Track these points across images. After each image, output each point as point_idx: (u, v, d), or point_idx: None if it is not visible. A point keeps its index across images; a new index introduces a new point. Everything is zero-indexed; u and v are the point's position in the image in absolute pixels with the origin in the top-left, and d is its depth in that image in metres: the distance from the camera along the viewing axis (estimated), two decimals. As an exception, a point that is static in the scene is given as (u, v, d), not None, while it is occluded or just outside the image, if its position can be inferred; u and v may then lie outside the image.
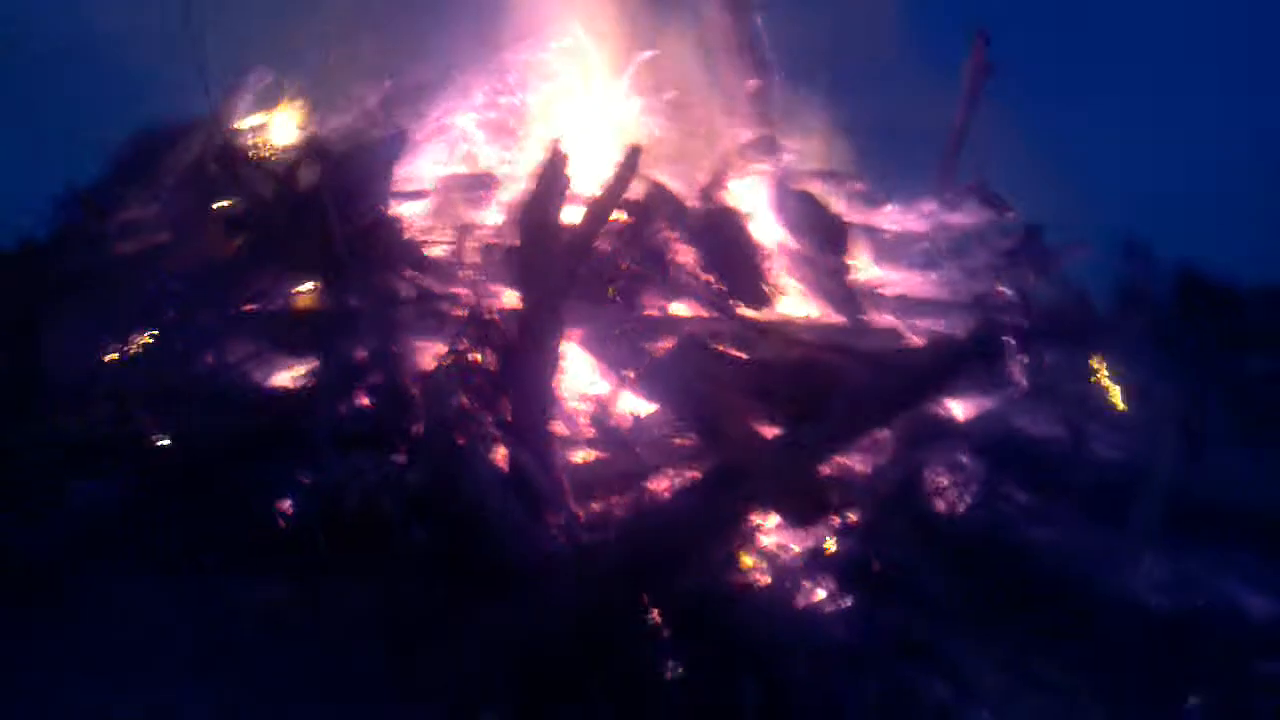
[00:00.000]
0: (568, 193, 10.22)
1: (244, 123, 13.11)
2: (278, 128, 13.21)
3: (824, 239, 10.82)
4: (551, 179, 10.22)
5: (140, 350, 10.18)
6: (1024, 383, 10.60)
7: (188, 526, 8.12)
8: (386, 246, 9.89)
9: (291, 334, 9.94)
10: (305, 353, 9.84)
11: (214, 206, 10.94)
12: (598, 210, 10.43)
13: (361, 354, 9.47)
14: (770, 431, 8.97)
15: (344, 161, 10.15)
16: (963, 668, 7.40)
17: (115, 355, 10.12)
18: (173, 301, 10.34)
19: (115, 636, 7.73)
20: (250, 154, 9.88)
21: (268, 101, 13.51)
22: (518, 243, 10.66)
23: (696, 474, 9.22)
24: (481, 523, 7.84)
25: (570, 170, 10.37)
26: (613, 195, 10.52)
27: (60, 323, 9.90)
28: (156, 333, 10.22)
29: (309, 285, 10.76)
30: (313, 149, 9.73)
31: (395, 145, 10.30)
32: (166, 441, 8.89)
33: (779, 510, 8.45)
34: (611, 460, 9.69)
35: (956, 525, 8.78)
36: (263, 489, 8.33)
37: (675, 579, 8.25)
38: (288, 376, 9.79)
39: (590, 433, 9.89)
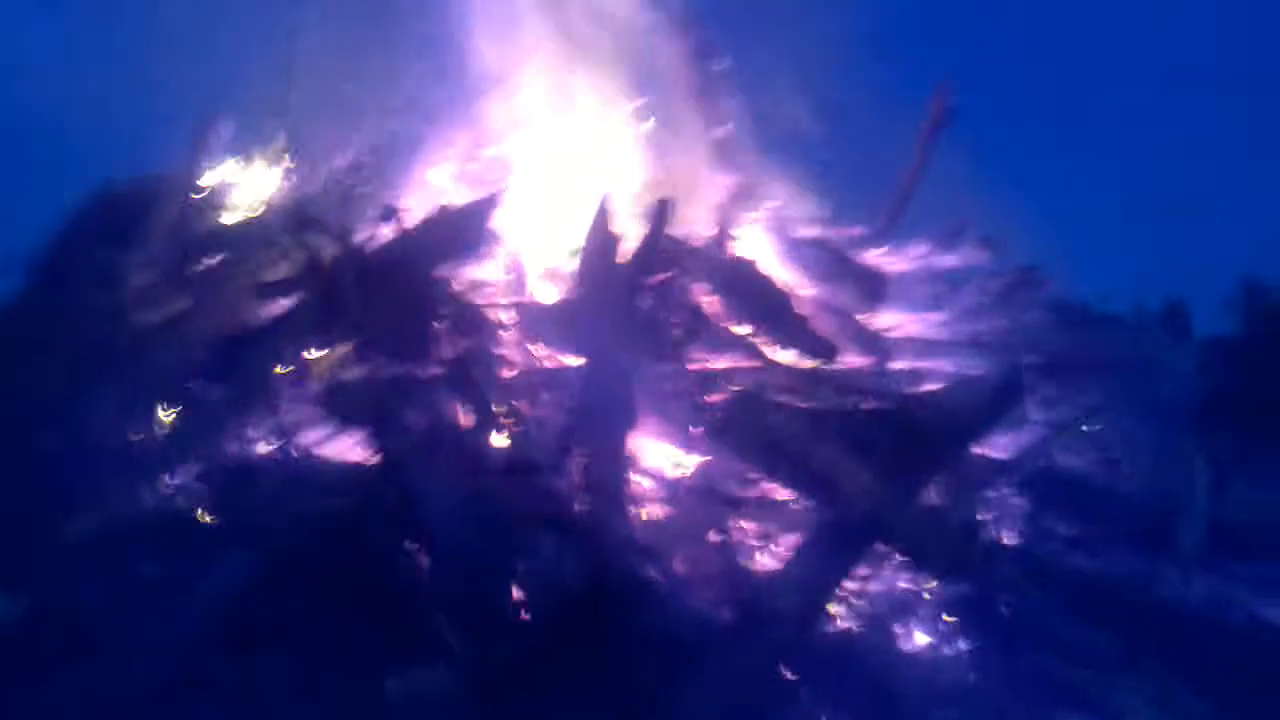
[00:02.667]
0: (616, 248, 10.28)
1: (215, 177, 12.56)
2: (252, 181, 12.73)
3: (861, 290, 11.09)
4: (603, 236, 10.22)
5: (178, 425, 9.62)
6: (1043, 418, 11.06)
7: (324, 608, 7.75)
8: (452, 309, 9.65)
9: (345, 403, 9.55)
10: (364, 422, 9.45)
11: (242, 271, 10.40)
12: (639, 265, 10.47)
13: (441, 422, 9.18)
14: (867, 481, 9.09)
15: (427, 227, 9.86)
16: (1119, 709, 7.72)
17: (154, 432, 9.52)
18: (207, 374, 9.83)
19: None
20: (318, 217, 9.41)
21: (234, 152, 12.98)
22: (554, 300, 10.63)
23: (788, 529, 9.37)
24: (640, 596, 7.74)
25: (618, 226, 10.43)
26: (651, 250, 10.58)
27: (97, 400, 9.28)
28: (193, 407, 9.67)
29: (325, 351, 10.39)
30: (387, 213, 9.41)
31: (485, 210, 10.04)
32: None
33: (915, 561, 8.61)
34: (687, 515, 9.69)
35: (1066, 565, 9.12)
36: (395, 570, 7.99)
37: (807, 635, 8.34)
38: (356, 449, 9.41)
39: (662, 489, 9.87)
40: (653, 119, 14.10)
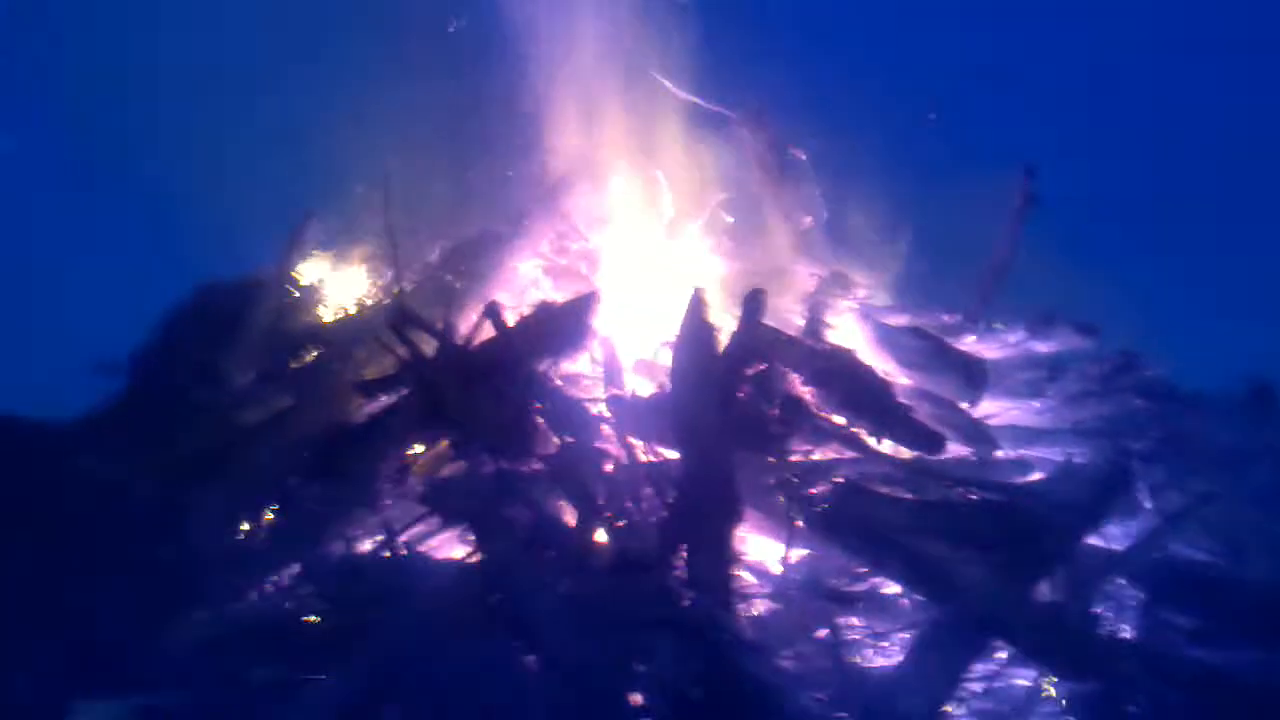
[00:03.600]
0: (714, 340, 10.18)
1: (311, 275, 12.72)
2: (344, 280, 12.87)
3: (964, 377, 10.91)
4: (698, 327, 10.13)
5: (282, 525, 9.60)
6: (1154, 506, 10.76)
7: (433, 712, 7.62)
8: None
9: (448, 500, 9.48)
10: (467, 520, 9.36)
11: (341, 368, 10.45)
12: (736, 357, 10.36)
13: (545, 518, 9.08)
14: (978, 575, 8.85)
15: (529, 323, 9.88)
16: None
17: (259, 532, 9.50)
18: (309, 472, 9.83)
19: None
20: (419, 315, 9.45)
21: (325, 251, 13.14)
22: (656, 392, 10.55)
23: (900, 626, 9.15)
24: (757, 698, 7.53)
25: (713, 317, 10.34)
26: (746, 341, 10.47)
27: (202, 502, 9.29)
28: (296, 506, 9.65)
29: (427, 447, 10.38)
30: (488, 312, 9.43)
31: (586, 306, 10.03)
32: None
33: (1034, 659, 8.33)
34: (796, 612, 9.48)
35: (1189, 659, 8.79)
36: (504, 672, 7.84)
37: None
38: (459, 547, 9.34)
39: (768, 584, 9.68)
40: (732, 218, 14.18)
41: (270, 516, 9.70)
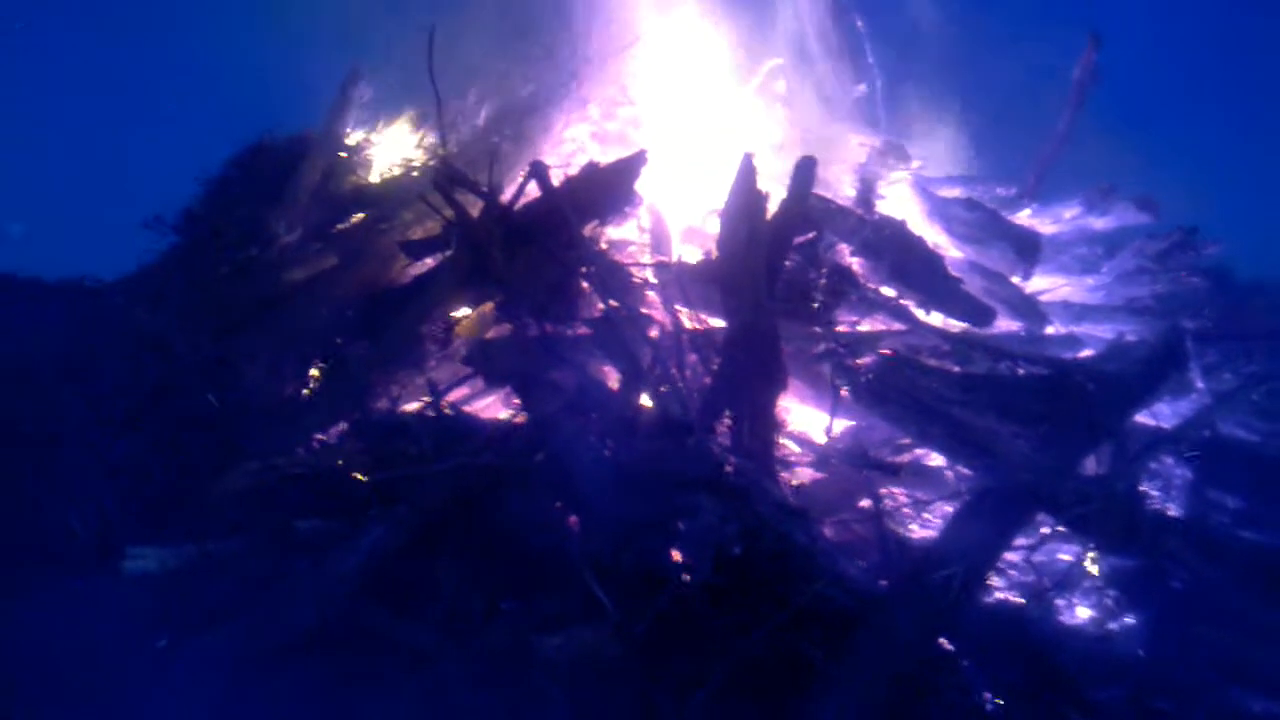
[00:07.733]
0: (763, 207, 9.99)
1: (358, 135, 12.59)
2: (390, 142, 12.73)
3: (1018, 250, 10.70)
4: (747, 194, 9.94)
5: (328, 382, 9.65)
6: (1206, 386, 10.60)
7: (476, 571, 7.70)
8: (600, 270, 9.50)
9: (492, 361, 9.46)
10: (511, 381, 9.36)
11: (387, 229, 10.40)
12: (784, 225, 10.18)
13: (589, 382, 9.06)
14: (1024, 449, 8.76)
15: (575, 185, 9.73)
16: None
17: (306, 389, 9.56)
18: (354, 331, 9.84)
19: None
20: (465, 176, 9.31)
21: (372, 115, 12.98)
22: (703, 259, 10.42)
23: (943, 497, 9.11)
24: (808, 565, 7.54)
25: (762, 185, 10.13)
26: (795, 209, 10.28)
27: (251, 355, 9.35)
28: (342, 364, 9.69)
29: (467, 310, 10.32)
30: (534, 172, 9.29)
31: (633, 169, 9.85)
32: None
33: (1078, 533, 8.29)
34: (839, 481, 9.48)
35: (1236, 539, 8.71)
36: (545, 529, 7.90)
37: (967, 606, 8.05)
38: (504, 408, 9.37)
39: (811, 453, 9.66)
40: (784, 79, 13.87)
41: (317, 374, 9.71)
